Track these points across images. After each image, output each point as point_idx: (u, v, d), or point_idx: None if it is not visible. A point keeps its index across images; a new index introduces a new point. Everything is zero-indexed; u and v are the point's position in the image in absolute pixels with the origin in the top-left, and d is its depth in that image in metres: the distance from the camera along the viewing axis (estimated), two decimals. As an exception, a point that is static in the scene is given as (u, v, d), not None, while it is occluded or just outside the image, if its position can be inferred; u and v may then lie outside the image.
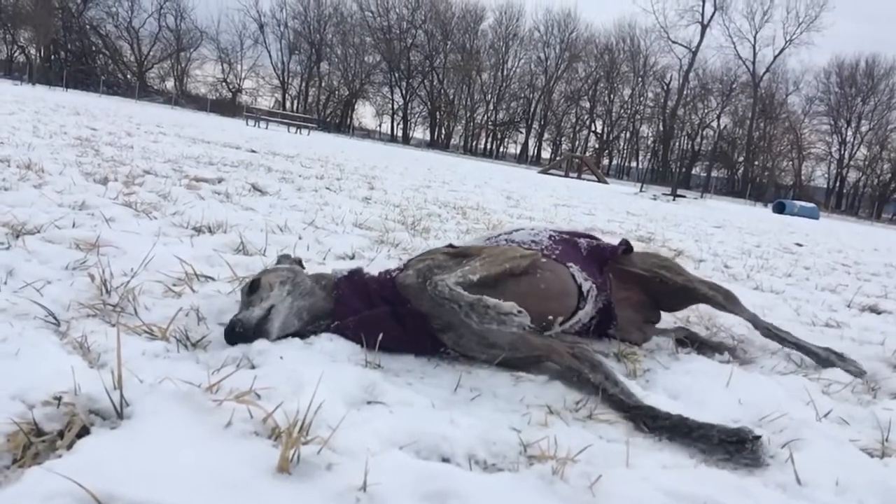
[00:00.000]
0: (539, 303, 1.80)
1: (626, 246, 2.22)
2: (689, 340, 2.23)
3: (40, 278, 1.82)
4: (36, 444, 1.04)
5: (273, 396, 1.29)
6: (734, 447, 1.32)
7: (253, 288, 1.70)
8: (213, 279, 2.14)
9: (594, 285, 2.01)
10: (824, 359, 2.12)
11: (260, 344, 1.54)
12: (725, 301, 2.21)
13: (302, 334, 1.66)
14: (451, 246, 1.95)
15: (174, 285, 2.01)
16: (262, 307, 1.60)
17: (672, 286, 2.18)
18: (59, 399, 1.13)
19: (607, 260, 2.16)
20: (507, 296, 1.69)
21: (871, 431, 1.60)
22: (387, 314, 1.70)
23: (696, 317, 2.64)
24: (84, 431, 1.09)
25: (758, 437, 1.33)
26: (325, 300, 1.74)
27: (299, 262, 2.09)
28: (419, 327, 1.70)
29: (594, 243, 2.22)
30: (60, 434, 1.07)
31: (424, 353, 1.74)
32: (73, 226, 2.57)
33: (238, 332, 1.54)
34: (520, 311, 1.51)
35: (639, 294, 2.22)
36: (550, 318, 1.84)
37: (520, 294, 1.73)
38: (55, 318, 1.58)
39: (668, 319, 2.55)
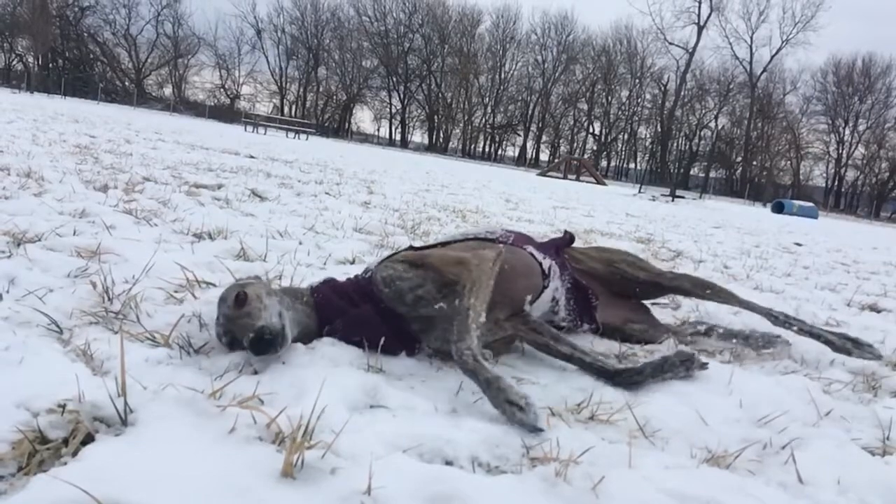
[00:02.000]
0: (510, 284, 1.85)
1: (570, 237, 2.28)
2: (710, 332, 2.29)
3: (42, 286, 1.83)
4: (41, 451, 1.04)
5: (276, 402, 1.30)
6: (689, 363, 1.75)
7: (240, 301, 1.55)
8: (214, 285, 2.14)
9: (554, 263, 2.07)
10: (839, 346, 2.09)
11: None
12: (693, 287, 2.24)
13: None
14: (411, 247, 1.96)
15: (176, 292, 2.01)
16: (274, 313, 1.52)
17: (634, 280, 2.24)
18: (63, 407, 1.13)
19: (560, 247, 2.21)
20: None
21: (872, 430, 1.60)
22: (371, 312, 1.72)
23: (696, 317, 2.65)
24: (89, 438, 1.10)
25: (693, 354, 1.79)
26: (309, 316, 1.71)
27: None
28: (396, 327, 1.72)
29: (546, 237, 2.30)
30: (65, 441, 1.08)
31: (409, 350, 1.75)
32: (74, 234, 2.58)
33: (267, 340, 1.44)
34: (527, 405, 1.37)
35: (601, 289, 2.23)
36: (525, 297, 1.89)
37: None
38: (58, 325, 1.59)
39: (666, 319, 2.55)
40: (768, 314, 2.19)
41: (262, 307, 1.54)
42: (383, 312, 1.73)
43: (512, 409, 1.37)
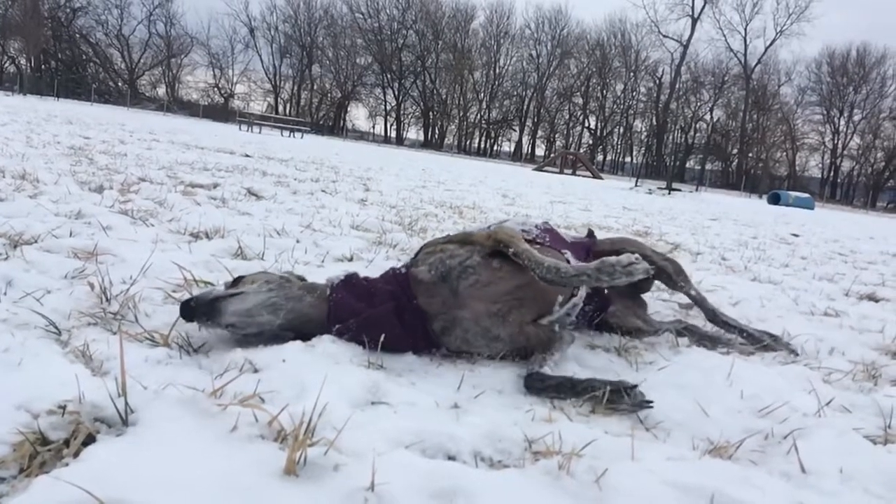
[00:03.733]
0: (537, 290, 1.81)
1: (592, 235, 2.33)
2: (687, 332, 2.23)
3: (40, 288, 1.82)
4: (42, 453, 1.04)
5: (277, 400, 1.30)
6: (617, 395, 1.51)
7: (235, 282, 1.71)
8: (212, 284, 2.13)
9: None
10: (758, 339, 2.17)
11: (265, 349, 1.54)
12: (674, 274, 2.28)
13: (282, 337, 1.63)
14: (448, 236, 1.96)
15: (174, 292, 2.01)
16: (228, 291, 1.60)
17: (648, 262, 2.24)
18: (63, 408, 1.13)
19: (590, 249, 2.22)
20: (511, 284, 1.74)
21: (873, 419, 1.60)
22: (389, 311, 1.69)
23: (697, 310, 2.65)
24: (90, 439, 1.09)
25: (635, 386, 1.52)
26: (315, 308, 1.69)
27: (300, 278, 1.99)
28: (416, 326, 1.71)
29: (573, 235, 2.29)
30: (66, 442, 1.07)
31: (421, 351, 1.74)
32: (71, 235, 2.57)
33: (191, 306, 1.52)
34: (638, 258, 1.61)
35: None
36: (556, 299, 1.86)
37: (523, 285, 1.76)
38: (56, 327, 1.58)
39: (664, 312, 2.56)
40: (710, 312, 2.29)
41: (241, 286, 1.64)
42: (410, 311, 1.70)
43: (623, 268, 1.59)
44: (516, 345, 1.77)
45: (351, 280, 1.79)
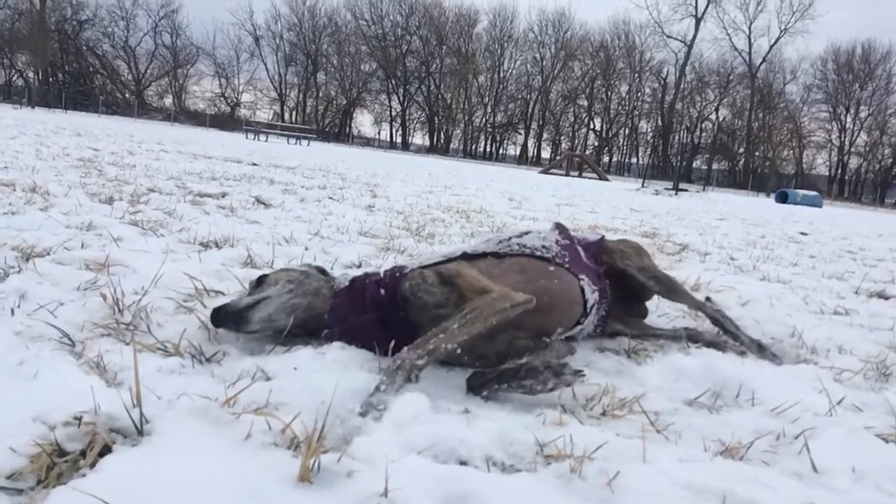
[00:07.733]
0: (545, 317, 1.80)
1: (602, 238, 2.25)
2: (691, 338, 2.19)
3: (53, 300, 1.84)
4: (59, 464, 1.05)
5: (290, 407, 1.31)
6: (559, 368, 1.51)
7: (259, 281, 1.80)
8: (223, 293, 2.15)
9: (597, 291, 2.02)
10: (748, 345, 2.10)
11: (277, 357, 1.56)
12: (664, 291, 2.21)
13: (295, 334, 1.71)
14: (464, 254, 1.91)
15: (185, 301, 2.02)
16: (254, 297, 1.68)
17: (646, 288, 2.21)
18: (79, 419, 1.14)
19: (600, 256, 2.16)
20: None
21: (884, 417, 1.60)
22: (370, 322, 1.70)
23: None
24: (106, 450, 1.10)
25: (565, 364, 1.54)
26: (327, 304, 1.76)
27: (322, 270, 1.99)
28: (402, 335, 1.65)
29: (584, 241, 2.21)
30: (83, 453, 1.08)
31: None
32: (82, 247, 2.59)
33: (222, 315, 1.62)
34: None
35: (618, 289, 2.19)
36: (557, 329, 1.84)
37: (512, 322, 1.70)
38: (70, 338, 1.60)
39: (671, 314, 2.55)
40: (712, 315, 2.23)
41: (266, 290, 1.72)
42: (395, 322, 1.70)
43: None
44: (503, 357, 1.69)
45: (354, 285, 1.81)
